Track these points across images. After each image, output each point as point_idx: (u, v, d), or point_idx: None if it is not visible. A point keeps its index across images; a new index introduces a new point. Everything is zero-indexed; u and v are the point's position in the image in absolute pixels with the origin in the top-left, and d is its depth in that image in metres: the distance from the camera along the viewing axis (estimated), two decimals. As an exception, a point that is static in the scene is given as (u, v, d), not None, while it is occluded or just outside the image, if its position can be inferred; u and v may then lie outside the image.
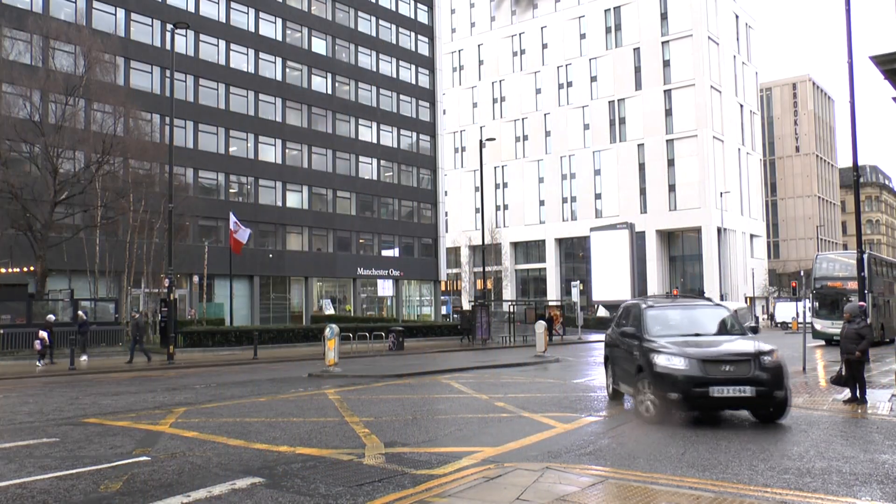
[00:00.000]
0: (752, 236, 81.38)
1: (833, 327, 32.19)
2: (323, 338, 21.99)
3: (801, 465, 7.68)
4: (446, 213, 73.20)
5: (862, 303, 15.37)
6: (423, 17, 62.83)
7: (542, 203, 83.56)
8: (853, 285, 29.43)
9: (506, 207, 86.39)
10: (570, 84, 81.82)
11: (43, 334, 24.16)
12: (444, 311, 65.85)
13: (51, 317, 26.50)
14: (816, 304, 34.62)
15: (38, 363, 23.98)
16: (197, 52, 45.93)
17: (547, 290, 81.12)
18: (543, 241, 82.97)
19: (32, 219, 30.36)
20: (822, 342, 34.60)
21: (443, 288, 66.19)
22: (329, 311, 51.80)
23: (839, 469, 7.51)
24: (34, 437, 9.87)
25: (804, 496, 6.40)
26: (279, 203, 50.09)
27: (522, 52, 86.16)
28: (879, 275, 35.32)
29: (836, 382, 13.20)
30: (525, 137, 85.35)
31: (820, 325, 34.76)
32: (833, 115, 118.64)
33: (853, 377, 12.87)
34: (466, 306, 64.85)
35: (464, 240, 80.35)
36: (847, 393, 13.27)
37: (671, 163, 74.18)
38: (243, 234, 36.21)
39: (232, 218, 36.87)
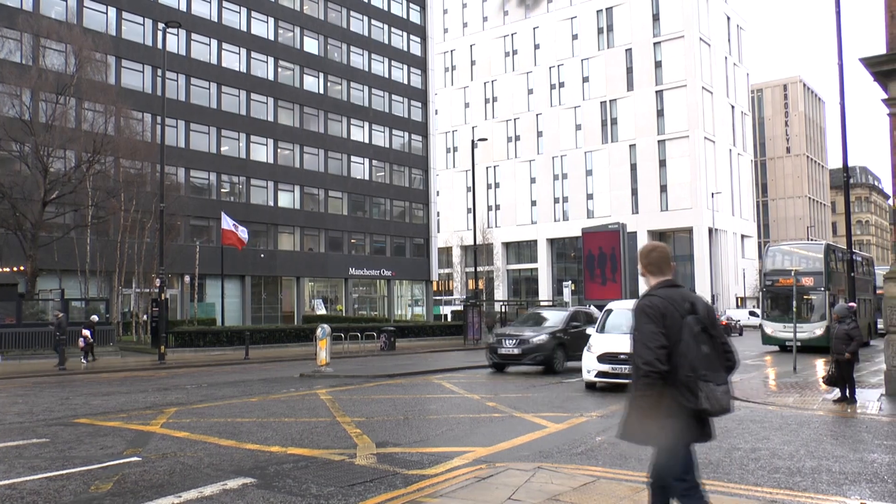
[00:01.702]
0: (742, 237, 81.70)
1: (786, 331, 27.85)
2: (314, 338, 21.97)
3: (792, 465, 7.71)
4: (438, 213, 73.22)
5: (852, 304, 15.38)
6: (415, 17, 62.80)
7: (533, 203, 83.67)
8: (808, 281, 26.63)
9: (498, 208, 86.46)
10: (562, 84, 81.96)
11: (86, 332, 24.69)
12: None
13: (94, 317, 27.29)
14: (768, 303, 30.39)
15: (82, 361, 24.38)
16: (189, 52, 45.78)
17: (539, 290, 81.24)
18: (535, 242, 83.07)
19: (22, 218, 30.18)
20: (775, 348, 29.98)
21: (434, 288, 66.14)
22: (321, 311, 51.72)
23: (829, 468, 7.56)
24: (24, 437, 9.82)
25: (794, 495, 6.44)
26: (271, 203, 49.99)
27: (514, 52, 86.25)
28: (840, 270, 30.92)
29: (829, 382, 13.30)
30: (517, 138, 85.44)
31: (770, 328, 29.87)
32: (823, 117, 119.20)
33: (843, 377, 12.97)
34: (458, 307, 64.81)
35: (455, 240, 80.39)
36: (837, 393, 13.37)
37: (663, 163, 74.41)
38: (243, 233, 36.11)
39: (230, 220, 36.60)
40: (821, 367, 20.76)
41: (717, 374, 3.98)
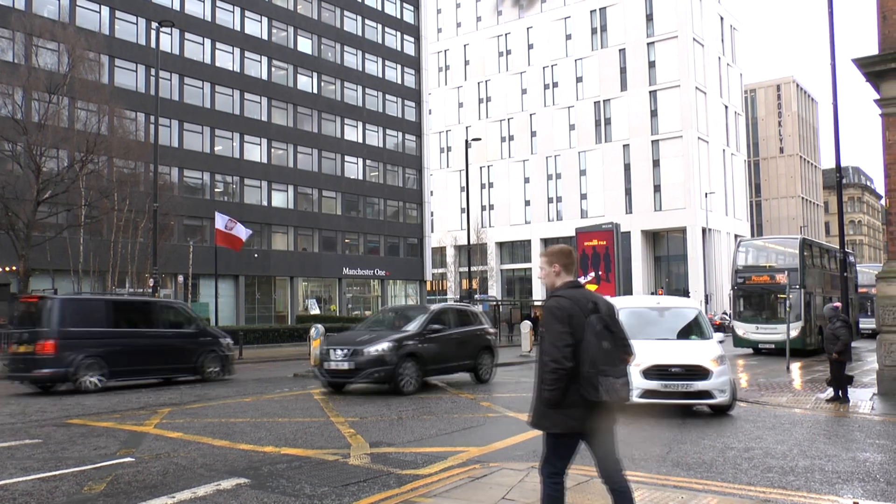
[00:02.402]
0: (736, 236, 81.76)
1: (759, 332, 26.81)
2: (308, 338, 21.94)
3: (785, 464, 7.74)
4: (432, 212, 73.16)
5: (837, 304, 15.33)
6: (409, 17, 62.78)
7: (527, 203, 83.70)
8: (782, 279, 24.85)
9: (491, 207, 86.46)
10: (555, 84, 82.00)
11: None
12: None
13: None
14: (739, 302, 28.42)
15: None
16: (182, 51, 45.65)
17: (532, 289, 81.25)
18: (529, 241, 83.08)
19: (15, 218, 30.01)
20: (748, 350, 28.19)
21: (428, 288, 66.15)
22: (314, 311, 51.66)
23: (822, 467, 7.58)
24: (16, 438, 9.78)
25: (787, 494, 6.46)
26: (264, 203, 49.90)
27: (508, 52, 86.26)
28: (817, 266, 29.19)
29: (830, 383, 13.43)
30: (511, 138, 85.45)
31: (742, 329, 27.73)
32: (816, 117, 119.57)
33: (835, 377, 13.06)
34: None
35: (449, 240, 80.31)
36: (830, 392, 13.42)
37: (656, 163, 74.50)
38: (241, 231, 35.42)
39: (224, 218, 36.18)
40: (796, 369, 20.71)
41: (616, 369, 4.30)
